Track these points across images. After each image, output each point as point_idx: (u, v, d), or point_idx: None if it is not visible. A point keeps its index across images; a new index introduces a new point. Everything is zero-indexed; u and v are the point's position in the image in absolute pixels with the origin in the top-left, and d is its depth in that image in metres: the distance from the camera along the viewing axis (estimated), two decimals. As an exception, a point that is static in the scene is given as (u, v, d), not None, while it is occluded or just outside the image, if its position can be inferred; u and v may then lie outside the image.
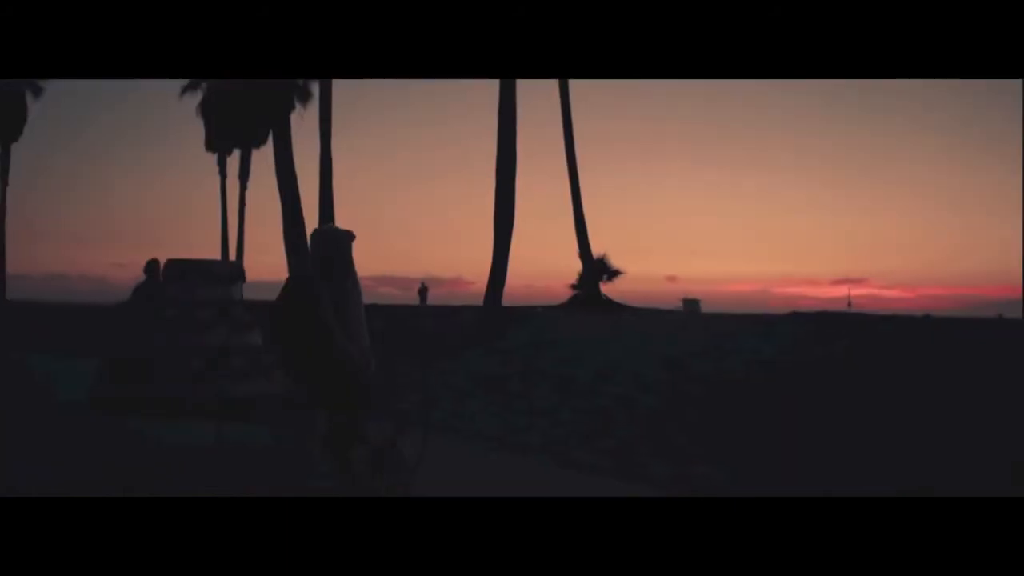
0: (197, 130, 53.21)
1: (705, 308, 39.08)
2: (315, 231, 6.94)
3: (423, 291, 46.39)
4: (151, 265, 13.46)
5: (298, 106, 40.99)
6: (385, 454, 6.70)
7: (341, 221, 34.47)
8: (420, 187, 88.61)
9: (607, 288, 38.72)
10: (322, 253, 6.70)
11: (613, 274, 39.43)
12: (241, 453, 8.14)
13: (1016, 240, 72.65)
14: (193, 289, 13.09)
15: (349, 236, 6.89)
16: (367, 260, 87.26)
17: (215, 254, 57.37)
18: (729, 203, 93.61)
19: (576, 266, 38.52)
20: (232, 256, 54.87)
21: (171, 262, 13.50)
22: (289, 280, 6.87)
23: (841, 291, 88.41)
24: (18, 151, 62.36)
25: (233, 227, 55.38)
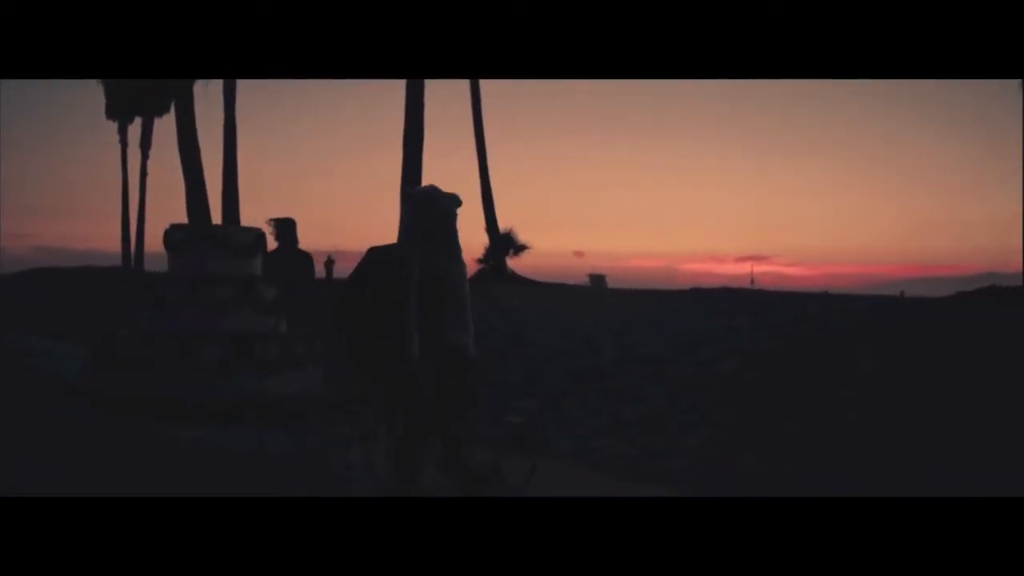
0: (97, 96, 51.97)
1: (611, 284, 39.47)
2: (412, 194, 5.70)
3: (329, 264, 45.97)
4: (283, 226, 10.62)
5: (201, 74, 40.28)
6: (483, 482, 5.57)
7: (245, 194, 34.01)
8: (326, 159, 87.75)
9: (513, 262, 38.87)
10: (420, 222, 5.56)
11: (519, 249, 39.55)
12: (263, 460, 7.24)
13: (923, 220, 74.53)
14: (203, 262, 10.64)
15: (455, 202, 5.71)
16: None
17: (115, 225, 56.14)
18: (637, 178, 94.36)
19: (482, 240, 38.63)
20: (132, 227, 53.83)
21: (173, 228, 11.10)
22: (371, 253, 5.59)
23: (745, 268, 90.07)
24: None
25: (134, 197, 54.41)
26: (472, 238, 45.62)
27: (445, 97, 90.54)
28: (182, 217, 34.53)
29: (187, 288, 10.53)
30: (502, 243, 38.58)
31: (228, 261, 10.69)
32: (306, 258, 10.79)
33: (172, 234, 11.03)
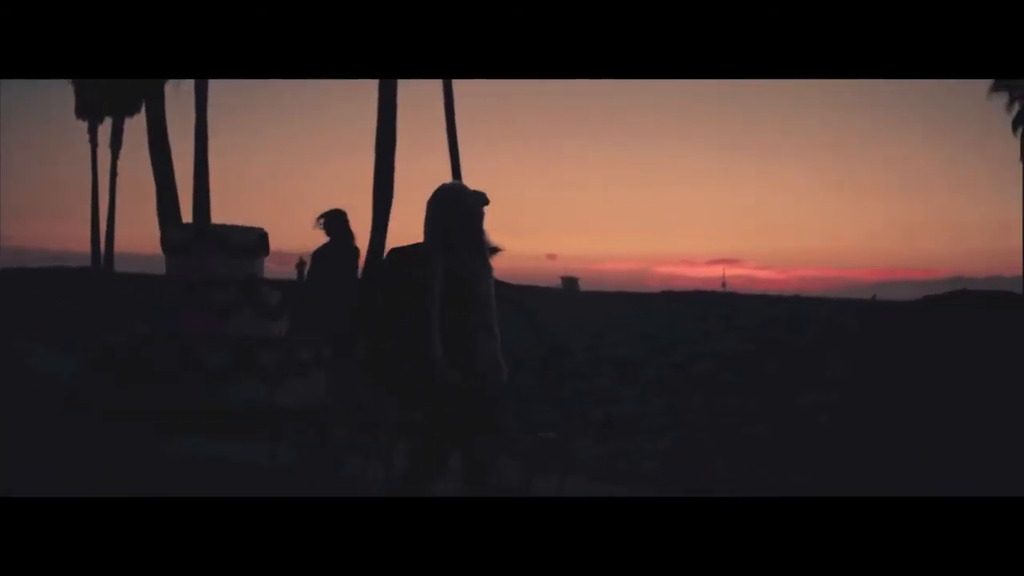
0: (67, 96, 51.64)
1: (584, 286, 39.55)
2: (438, 191, 5.41)
3: (301, 266, 45.81)
4: (333, 218, 9.17)
5: (173, 74, 40.00)
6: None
7: (217, 193, 33.81)
8: (299, 160, 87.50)
9: (486, 265, 38.83)
10: (445, 220, 5.29)
11: (492, 251, 39.42)
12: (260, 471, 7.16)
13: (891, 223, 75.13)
14: (203, 263, 10.15)
15: (481, 200, 5.49)
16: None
17: (84, 225, 55.81)
18: (610, 181, 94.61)
19: (455, 243, 38.57)
20: (103, 228, 53.46)
21: (172, 228, 10.56)
22: (393, 253, 5.39)
23: (716, 271, 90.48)
24: None
25: (104, 198, 54.03)
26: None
27: (418, 98, 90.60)
28: (152, 218, 34.34)
29: (186, 290, 10.12)
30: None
31: (229, 262, 10.25)
32: (356, 252, 9.62)
33: (171, 234, 10.57)
